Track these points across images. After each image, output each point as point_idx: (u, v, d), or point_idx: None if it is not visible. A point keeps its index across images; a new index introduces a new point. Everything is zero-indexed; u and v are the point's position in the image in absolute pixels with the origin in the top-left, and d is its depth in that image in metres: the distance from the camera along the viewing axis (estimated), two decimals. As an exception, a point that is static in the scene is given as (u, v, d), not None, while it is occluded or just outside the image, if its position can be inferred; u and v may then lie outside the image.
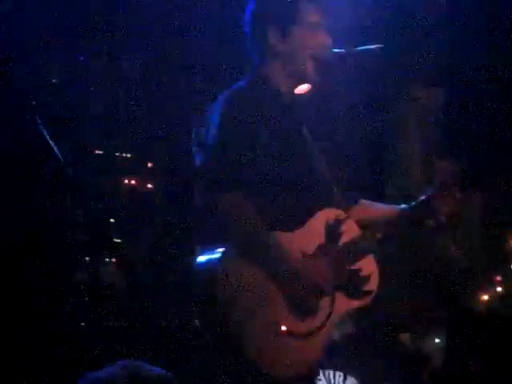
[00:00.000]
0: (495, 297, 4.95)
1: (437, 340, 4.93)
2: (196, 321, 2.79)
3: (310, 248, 2.66)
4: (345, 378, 3.94)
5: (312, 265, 2.62)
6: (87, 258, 4.20)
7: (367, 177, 4.98)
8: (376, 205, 2.94)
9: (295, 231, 2.66)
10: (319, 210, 2.71)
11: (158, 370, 2.29)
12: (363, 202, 2.92)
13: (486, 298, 4.95)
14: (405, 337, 4.84)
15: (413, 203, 2.79)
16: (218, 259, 2.56)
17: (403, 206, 2.83)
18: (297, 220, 2.66)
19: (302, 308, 2.60)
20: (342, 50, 2.81)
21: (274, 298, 2.57)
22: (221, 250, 2.57)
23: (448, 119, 5.11)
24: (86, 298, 4.03)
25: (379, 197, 5.05)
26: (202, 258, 2.65)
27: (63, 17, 4.60)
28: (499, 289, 4.96)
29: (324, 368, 3.84)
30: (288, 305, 2.58)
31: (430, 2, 5.14)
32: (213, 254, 2.60)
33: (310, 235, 2.67)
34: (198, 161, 2.68)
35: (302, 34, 2.74)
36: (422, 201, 2.77)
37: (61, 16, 4.59)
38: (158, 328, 4.33)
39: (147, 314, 4.36)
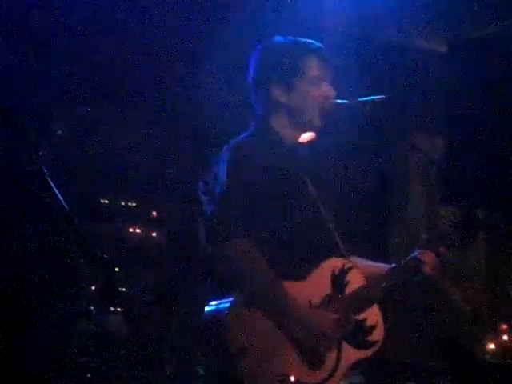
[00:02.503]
0: (501, 345, 4.92)
1: (442, 389, 4.89)
2: (201, 370, 2.77)
3: (317, 297, 2.67)
4: (351, 429, 3.88)
5: (318, 315, 2.63)
6: (92, 308, 4.20)
7: (370, 225, 4.99)
8: (366, 261, 2.96)
9: (302, 280, 2.67)
10: (325, 259, 2.73)
11: None
12: (354, 258, 2.93)
13: (491, 346, 4.93)
14: (410, 385, 4.81)
15: (399, 263, 2.84)
16: (227, 308, 2.56)
17: (392, 265, 2.86)
18: (303, 270, 2.68)
19: (310, 358, 2.61)
20: (346, 101, 2.85)
21: (283, 347, 2.58)
22: (229, 299, 2.58)
23: (449, 167, 5.15)
24: (91, 348, 4.01)
25: (382, 244, 5.08)
26: (210, 308, 2.65)
27: (67, 69, 4.67)
28: (505, 337, 4.94)
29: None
30: (296, 355, 2.59)
31: (432, 55, 5.23)
32: (221, 303, 2.61)
33: (316, 284, 2.69)
34: (205, 209, 2.70)
35: (304, 87, 2.79)
36: (408, 261, 2.82)
37: (65, 68, 4.66)
38: (163, 377, 4.30)
39: (152, 363, 4.34)
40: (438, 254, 2.81)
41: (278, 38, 2.87)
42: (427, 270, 2.78)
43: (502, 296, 5.11)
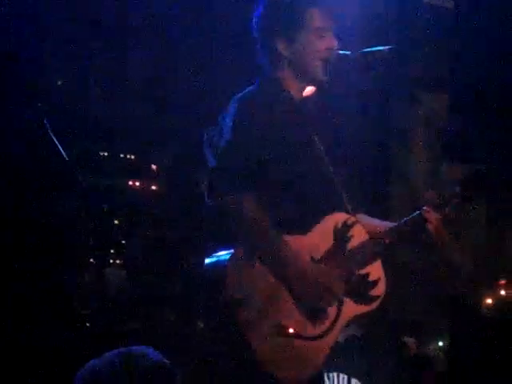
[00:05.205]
0: (499, 300, 4.96)
1: (440, 343, 4.93)
2: (200, 322, 2.79)
3: (319, 251, 2.68)
4: (349, 381, 3.94)
5: (320, 268, 2.64)
6: (92, 260, 4.21)
7: (372, 181, 4.97)
8: (371, 219, 2.95)
9: (304, 234, 2.67)
10: (328, 213, 2.73)
11: (156, 357, 2.27)
12: (361, 215, 2.92)
13: (489, 301, 4.96)
14: (409, 340, 4.85)
15: (403, 220, 2.82)
16: (227, 260, 2.57)
17: (395, 223, 2.84)
18: (306, 223, 2.68)
19: (310, 311, 2.62)
20: (349, 52, 2.82)
21: (282, 300, 2.59)
22: (229, 251, 2.59)
23: (453, 124, 5.12)
24: (91, 300, 4.03)
25: (383, 201, 5.07)
26: (210, 259, 2.66)
27: (70, 18, 4.61)
28: (503, 292, 4.97)
29: (328, 370, 3.84)
30: (296, 307, 2.61)
31: (437, 11, 5.16)
32: (221, 255, 2.62)
33: (319, 239, 2.69)
34: (209, 162, 2.69)
35: (307, 39, 2.77)
36: (413, 218, 2.80)
37: (67, 17, 4.60)
38: (163, 329, 4.33)
39: (152, 316, 4.36)
40: (442, 215, 2.79)
41: None
42: (431, 228, 2.77)
43: (501, 251, 5.13)
